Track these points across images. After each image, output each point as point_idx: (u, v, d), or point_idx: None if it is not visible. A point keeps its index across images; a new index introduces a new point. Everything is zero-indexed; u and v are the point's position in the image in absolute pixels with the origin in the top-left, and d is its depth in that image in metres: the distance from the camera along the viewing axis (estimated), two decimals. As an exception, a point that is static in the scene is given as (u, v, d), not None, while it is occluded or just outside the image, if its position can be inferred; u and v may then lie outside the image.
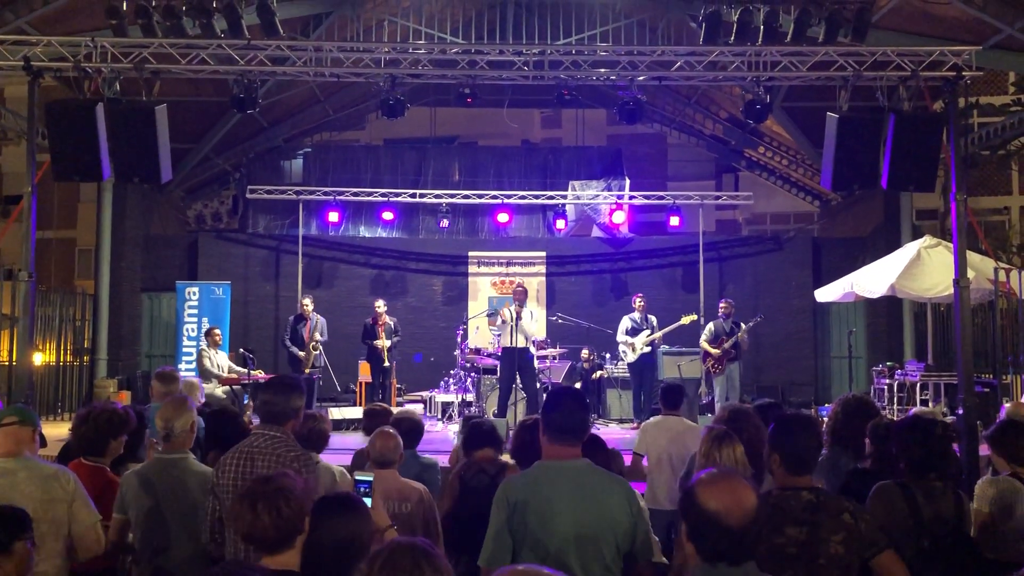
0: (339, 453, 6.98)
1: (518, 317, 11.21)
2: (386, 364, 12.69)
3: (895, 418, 6.86)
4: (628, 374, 13.08)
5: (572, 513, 3.10)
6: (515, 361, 11.16)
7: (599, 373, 13.79)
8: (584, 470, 3.24)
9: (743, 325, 12.00)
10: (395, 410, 6.48)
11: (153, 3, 9.33)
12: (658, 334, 12.63)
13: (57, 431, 9.51)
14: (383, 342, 12.64)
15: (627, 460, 6.44)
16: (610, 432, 12.17)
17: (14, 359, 10.20)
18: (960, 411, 8.60)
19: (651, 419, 6.46)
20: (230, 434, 4.46)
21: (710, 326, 12.25)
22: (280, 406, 3.73)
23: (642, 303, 12.79)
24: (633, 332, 12.61)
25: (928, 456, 3.48)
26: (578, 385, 13.72)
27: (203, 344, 12.01)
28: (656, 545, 3.52)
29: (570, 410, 3.28)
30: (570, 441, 3.25)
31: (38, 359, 13.69)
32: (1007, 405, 5.76)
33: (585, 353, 14.03)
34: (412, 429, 5.06)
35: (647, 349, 12.54)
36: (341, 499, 2.89)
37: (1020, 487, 3.97)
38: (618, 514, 3.14)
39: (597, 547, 3.08)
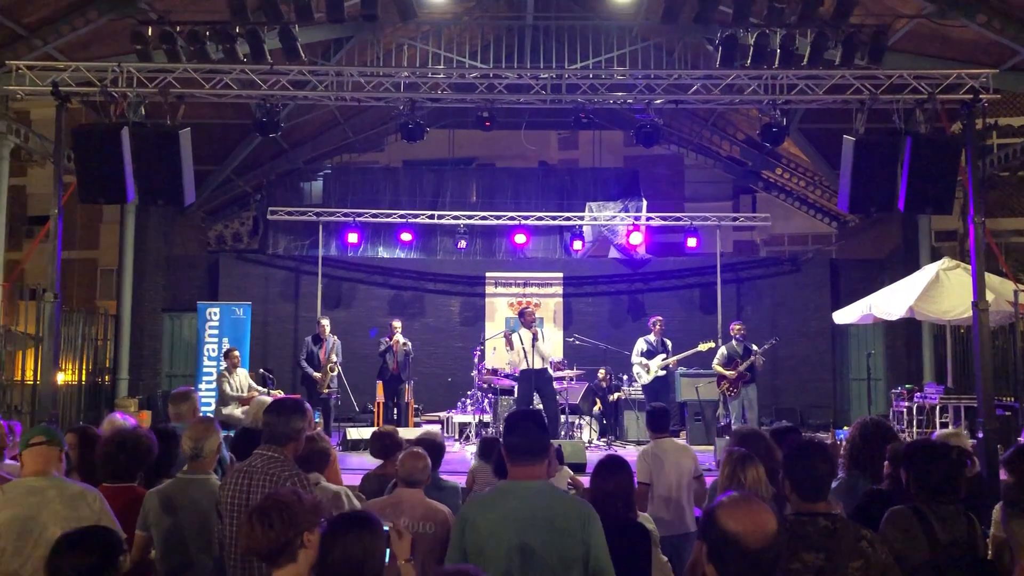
0: (357, 473, 7.02)
1: (533, 339, 11.24)
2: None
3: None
4: (644, 396, 13.06)
5: (519, 534, 3.13)
6: (532, 383, 11.18)
7: (616, 395, 13.78)
8: (540, 492, 3.25)
9: (756, 347, 11.96)
10: (411, 431, 6.51)
11: (177, 28, 9.51)
12: (673, 359, 12.63)
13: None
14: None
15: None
16: (627, 454, 12.08)
17: (38, 379, 10.32)
18: (980, 434, 8.55)
19: (646, 446, 6.41)
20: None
21: (722, 349, 12.20)
22: (281, 428, 3.81)
23: (660, 326, 12.80)
24: (648, 354, 12.61)
25: (943, 480, 3.49)
26: (597, 407, 13.69)
27: (222, 368, 12.12)
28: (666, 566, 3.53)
29: (527, 431, 3.31)
30: (528, 462, 3.28)
31: (60, 378, 13.83)
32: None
33: (602, 373, 14.03)
34: (432, 450, 5.06)
35: (662, 372, 12.54)
36: (356, 516, 2.95)
37: None
38: (568, 538, 3.14)
39: (543, 570, 3.10)
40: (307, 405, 4.08)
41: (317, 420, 11.64)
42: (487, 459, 4.89)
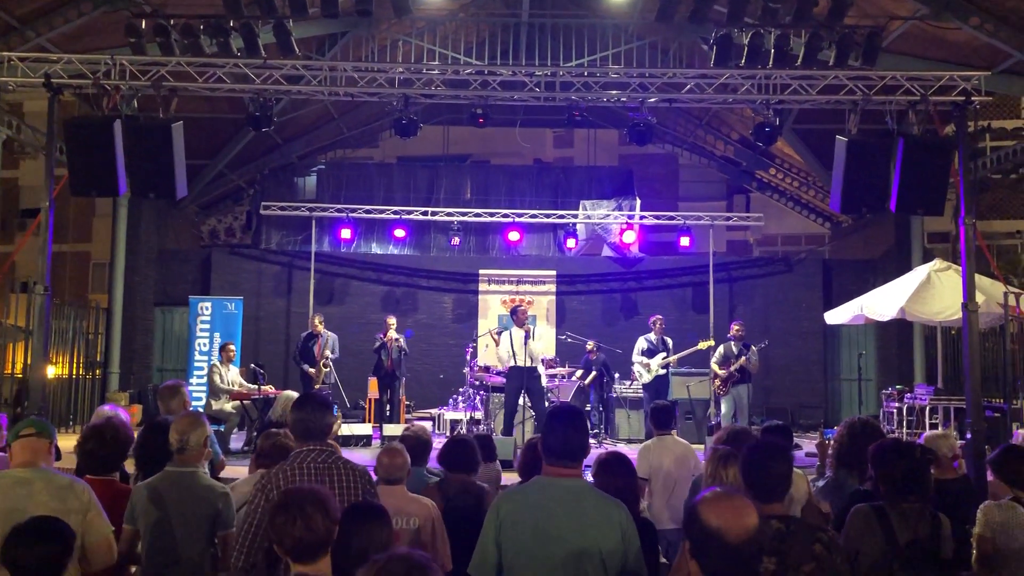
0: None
1: (525, 336, 11.24)
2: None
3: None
4: (638, 394, 13.08)
5: (560, 533, 3.10)
6: (522, 380, 11.18)
7: (592, 375, 13.55)
8: (579, 491, 3.22)
9: (752, 348, 11.99)
10: (402, 428, 6.50)
11: (171, 22, 9.49)
12: (673, 358, 12.65)
13: (70, 443, 9.57)
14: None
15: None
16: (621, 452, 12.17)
17: (28, 372, 10.30)
18: (968, 436, 8.59)
19: (649, 441, 6.45)
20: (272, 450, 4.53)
21: (720, 348, 12.24)
22: (320, 423, 3.80)
23: (660, 325, 12.82)
24: (649, 353, 12.62)
25: (906, 479, 3.50)
26: (590, 378, 13.54)
27: (215, 360, 12.09)
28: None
29: (568, 434, 3.27)
30: (569, 462, 3.25)
31: (51, 372, 13.80)
32: (1020, 431, 5.74)
33: (591, 345, 13.87)
34: (418, 446, 5.06)
35: (662, 371, 12.55)
36: (370, 507, 2.97)
37: (1022, 512, 3.97)
38: (608, 537, 3.12)
39: (583, 568, 3.07)
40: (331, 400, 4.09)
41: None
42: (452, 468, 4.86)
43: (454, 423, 13.22)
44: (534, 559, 3.09)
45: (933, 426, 12.18)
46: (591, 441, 11.82)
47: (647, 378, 12.55)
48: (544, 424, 3.41)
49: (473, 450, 4.93)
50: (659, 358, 12.51)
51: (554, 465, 3.25)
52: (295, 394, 7.63)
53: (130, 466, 5.09)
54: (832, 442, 4.77)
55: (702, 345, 12.78)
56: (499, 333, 12.04)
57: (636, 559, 3.17)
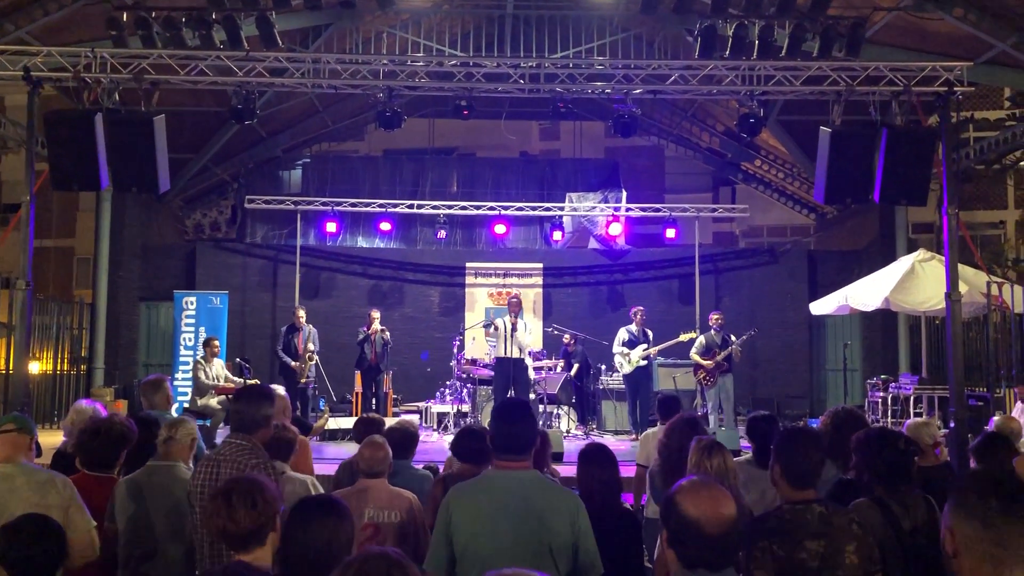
0: (333, 463, 7.00)
1: (513, 328, 11.25)
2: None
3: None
4: (623, 386, 13.10)
5: (508, 525, 3.09)
6: (509, 371, 11.20)
7: (576, 365, 13.57)
8: (529, 482, 3.21)
9: (734, 338, 12.02)
10: (389, 421, 6.48)
11: (153, 14, 9.41)
12: (654, 349, 12.66)
13: (53, 439, 9.50)
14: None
15: (628, 471, 6.50)
16: (605, 443, 12.19)
17: (11, 368, 10.22)
18: (951, 424, 8.65)
19: (651, 430, 6.49)
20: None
21: (701, 338, 12.26)
22: (250, 415, 3.79)
23: (641, 316, 12.82)
24: (630, 344, 12.64)
25: (892, 467, 3.52)
26: (574, 370, 13.52)
27: (199, 355, 12.03)
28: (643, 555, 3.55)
29: (513, 424, 3.26)
30: (517, 454, 3.24)
31: (35, 367, 13.71)
32: (996, 418, 5.79)
33: (567, 338, 13.89)
34: (405, 439, 5.03)
35: (643, 362, 12.57)
36: (322, 501, 2.93)
37: None
38: (557, 530, 3.11)
39: (532, 562, 3.05)
40: (280, 392, 4.06)
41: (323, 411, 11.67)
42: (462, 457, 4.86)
43: (441, 416, 13.24)
44: (483, 551, 3.08)
45: (918, 415, 12.27)
46: (578, 432, 11.84)
47: (627, 369, 12.57)
48: (492, 415, 3.41)
49: (484, 440, 4.92)
50: (640, 349, 12.52)
51: (501, 459, 3.25)
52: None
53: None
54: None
55: (683, 337, 12.79)
56: (486, 326, 12.06)
57: (588, 551, 3.15)
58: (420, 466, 5.61)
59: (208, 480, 3.66)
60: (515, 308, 11.51)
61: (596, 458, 4.08)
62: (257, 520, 2.74)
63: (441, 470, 6.29)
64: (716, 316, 12.29)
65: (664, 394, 6.85)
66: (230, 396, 11.12)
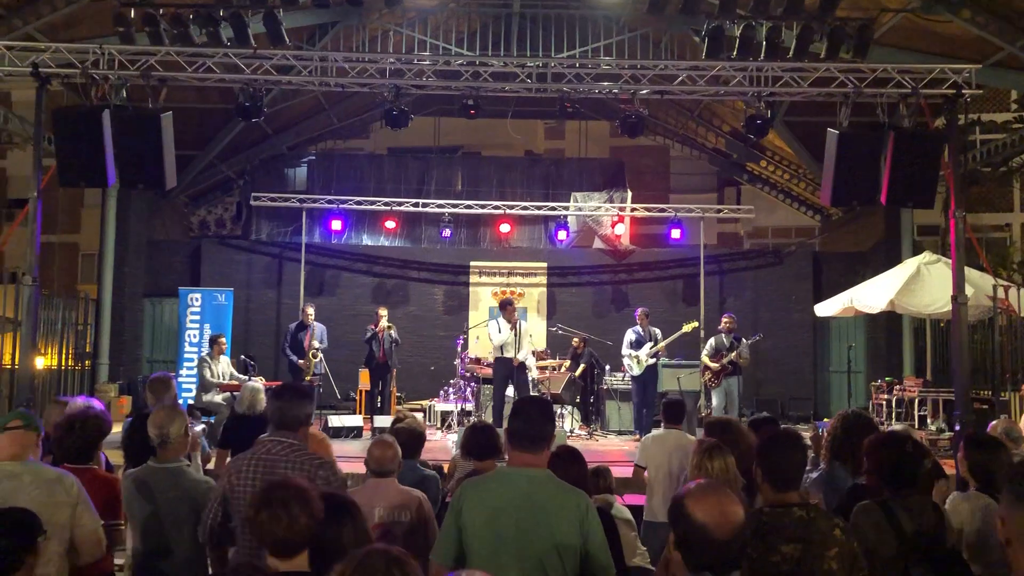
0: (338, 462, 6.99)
1: (512, 329, 11.32)
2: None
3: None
4: (628, 386, 13.07)
5: (516, 523, 3.10)
6: (509, 370, 11.23)
7: (581, 367, 13.59)
8: (538, 480, 3.21)
9: (744, 341, 11.99)
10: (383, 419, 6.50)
11: (160, 11, 9.43)
12: (661, 345, 12.60)
13: (58, 435, 9.53)
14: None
15: (628, 472, 6.51)
16: (609, 444, 12.20)
17: (16, 363, 10.24)
18: (957, 427, 8.63)
19: (652, 432, 6.49)
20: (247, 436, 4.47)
21: (711, 341, 12.23)
22: (291, 413, 3.78)
23: (645, 317, 12.78)
24: (636, 345, 12.58)
25: (900, 471, 3.51)
26: (580, 370, 13.55)
27: (205, 352, 12.04)
28: (644, 556, 3.54)
29: (531, 419, 3.27)
30: (529, 449, 3.23)
31: (40, 363, 13.73)
32: (994, 422, 5.76)
33: (576, 341, 13.88)
34: (412, 438, 5.04)
35: (651, 361, 12.52)
36: (345, 501, 2.94)
37: (992, 502, 3.96)
38: (565, 529, 3.11)
39: (539, 559, 3.07)
40: (314, 390, 4.07)
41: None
42: (468, 454, 4.86)
43: (445, 414, 13.24)
44: (489, 547, 3.09)
45: (922, 418, 12.26)
46: (582, 432, 11.82)
47: (638, 370, 12.50)
48: (511, 410, 3.41)
49: (496, 435, 4.92)
50: (647, 348, 12.50)
51: (516, 450, 3.25)
52: (258, 385, 7.60)
53: (117, 457, 5.08)
54: (825, 435, 4.78)
55: (686, 327, 12.73)
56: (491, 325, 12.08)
57: (598, 548, 3.15)
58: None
59: (262, 481, 3.55)
60: (512, 313, 11.57)
61: (564, 460, 4.10)
62: (313, 530, 2.74)
63: (445, 469, 6.31)
64: (727, 320, 12.24)
65: (670, 397, 6.84)
66: (234, 393, 11.15)
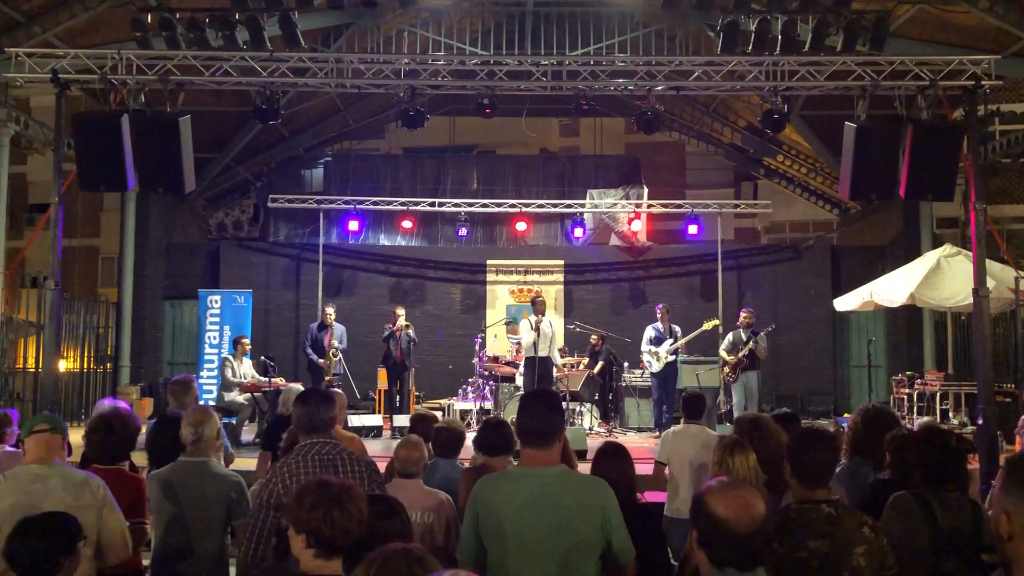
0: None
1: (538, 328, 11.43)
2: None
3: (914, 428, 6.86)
4: (647, 383, 13.06)
5: (535, 525, 3.09)
6: (536, 370, 11.30)
7: (599, 364, 13.56)
8: (556, 479, 3.19)
9: (760, 333, 11.96)
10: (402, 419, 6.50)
11: (177, 16, 9.48)
12: (681, 342, 12.58)
13: (80, 438, 9.63)
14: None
15: (648, 469, 6.50)
16: (628, 441, 12.18)
17: (40, 366, 10.34)
18: (980, 421, 8.57)
19: (672, 428, 6.48)
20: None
21: (729, 336, 12.22)
22: (319, 417, 3.82)
23: (666, 313, 12.77)
24: (656, 342, 12.57)
25: (943, 466, 3.49)
26: (598, 367, 13.54)
27: (227, 353, 12.15)
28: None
29: (539, 413, 3.26)
30: (540, 445, 3.21)
31: (62, 366, 13.86)
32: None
33: (594, 339, 13.87)
34: (452, 438, 5.07)
35: (671, 358, 12.50)
36: (385, 500, 2.95)
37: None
38: (588, 527, 3.11)
39: (560, 559, 3.06)
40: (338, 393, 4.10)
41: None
42: (478, 448, 4.88)
43: (464, 413, 13.26)
44: (509, 546, 3.10)
45: (944, 412, 12.18)
46: (601, 429, 11.85)
47: (658, 367, 12.48)
48: (519, 406, 3.41)
49: (510, 431, 4.93)
50: (667, 345, 12.47)
51: (527, 446, 3.24)
52: (299, 387, 7.66)
53: (141, 459, 5.12)
54: (846, 430, 4.76)
55: (707, 325, 12.73)
56: (507, 324, 12.14)
57: (622, 540, 3.16)
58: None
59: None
60: (541, 307, 11.71)
61: (610, 457, 4.13)
62: (359, 532, 2.73)
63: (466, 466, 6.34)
64: (745, 315, 12.23)
65: (690, 392, 6.82)
66: (255, 393, 11.23)
